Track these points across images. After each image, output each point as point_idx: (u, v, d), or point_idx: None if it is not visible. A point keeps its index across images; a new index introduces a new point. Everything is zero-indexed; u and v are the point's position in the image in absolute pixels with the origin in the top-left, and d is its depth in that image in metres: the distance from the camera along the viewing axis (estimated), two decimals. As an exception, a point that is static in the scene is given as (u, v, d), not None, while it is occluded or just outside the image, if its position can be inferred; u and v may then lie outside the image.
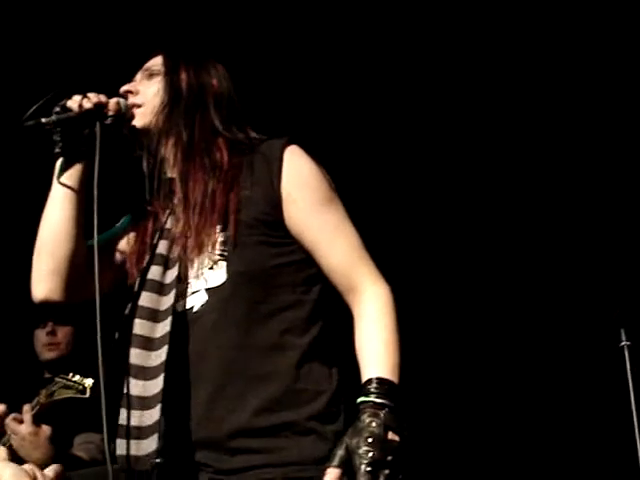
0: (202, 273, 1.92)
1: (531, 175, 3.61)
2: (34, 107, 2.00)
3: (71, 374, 2.38)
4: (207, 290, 1.91)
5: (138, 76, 2.14)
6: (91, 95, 2.05)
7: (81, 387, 2.31)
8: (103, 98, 2.05)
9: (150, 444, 1.80)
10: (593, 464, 3.47)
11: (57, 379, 2.39)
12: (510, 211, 3.62)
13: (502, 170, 3.63)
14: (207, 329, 1.88)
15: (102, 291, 1.95)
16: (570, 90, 3.49)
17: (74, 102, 2.04)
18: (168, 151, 2.05)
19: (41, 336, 3.14)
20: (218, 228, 1.93)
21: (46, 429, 2.53)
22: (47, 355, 3.12)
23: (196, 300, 1.92)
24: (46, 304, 2.05)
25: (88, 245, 2.06)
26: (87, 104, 2.03)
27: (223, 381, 1.85)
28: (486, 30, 3.49)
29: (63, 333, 3.13)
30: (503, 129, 3.61)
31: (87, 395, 2.30)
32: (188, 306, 1.92)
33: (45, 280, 2.04)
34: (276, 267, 1.91)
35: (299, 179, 1.94)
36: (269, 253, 1.92)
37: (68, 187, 2.04)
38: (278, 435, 1.82)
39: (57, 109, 2.03)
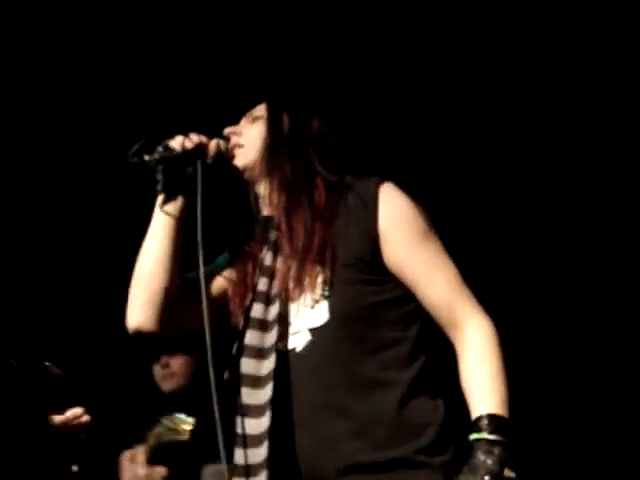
0: (303, 312, 1.95)
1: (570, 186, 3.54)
2: (138, 145, 2.05)
3: (176, 414, 2.40)
4: (310, 330, 1.93)
5: (242, 121, 2.21)
6: (193, 135, 2.11)
7: (181, 429, 2.33)
8: (204, 139, 2.11)
9: None
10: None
11: (162, 419, 2.41)
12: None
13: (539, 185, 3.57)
14: (311, 369, 1.90)
15: (195, 326, 2.01)
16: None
17: (176, 142, 2.09)
18: (268, 190, 2.10)
19: (157, 370, 3.13)
20: (318, 267, 1.95)
21: (160, 470, 2.54)
22: (165, 387, 3.10)
23: (298, 340, 1.94)
24: (139, 334, 2.09)
25: (186, 279, 2.11)
26: (188, 144, 2.08)
27: (328, 420, 1.86)
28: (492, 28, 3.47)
29: (178, 364, 3.11)
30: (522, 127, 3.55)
31: (186, 437, 2.31)
32: (290, 346, 1.94)
33: (139, 310, 2.08)
34: (376, 305, 1.93)
35: (395, 217, 1.97)
36: (368, 291, 1.93)
37: (167, 223, 2.09)
38: (389, 471, 1.82)
39: (160, 148, 2.08)
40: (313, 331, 1.92)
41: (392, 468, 1.82)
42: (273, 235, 2.07)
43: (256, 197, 2.14)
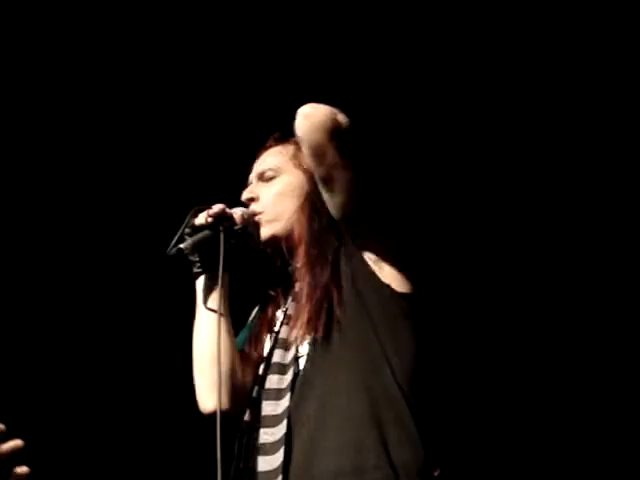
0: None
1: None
2: (175, 239, 2.14)
3: None
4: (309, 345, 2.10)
5: (253, 180, 2.28)
6: (215, 208, 2.17)
7: None
8: (227, 210, 2.19)
9: None
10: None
11: None
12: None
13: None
14: (307, 381, 2.07)
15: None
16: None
17: (202, 219, 2.17)
18: (293, 245, 2.21)
19: None
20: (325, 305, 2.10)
21: None
22: None
23: (302, 362, 2.10)
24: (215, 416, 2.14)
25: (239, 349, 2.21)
26: (212, 219, 2.15)
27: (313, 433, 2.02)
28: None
29: None
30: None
31: None
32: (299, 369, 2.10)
33: (213, 393, 2.11)
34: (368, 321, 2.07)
35: None
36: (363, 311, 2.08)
37: (216, 303, 2.15)
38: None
39: (187, 231, 2.15)
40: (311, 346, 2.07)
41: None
42: (297, 286, 2.18)
43: (286, 251, 2.22)
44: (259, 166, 2.29)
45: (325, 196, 2.10)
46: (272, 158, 2.29)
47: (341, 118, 2.03)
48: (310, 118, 2.01)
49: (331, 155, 2.02)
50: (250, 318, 2.32)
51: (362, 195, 2.06)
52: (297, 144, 2.23)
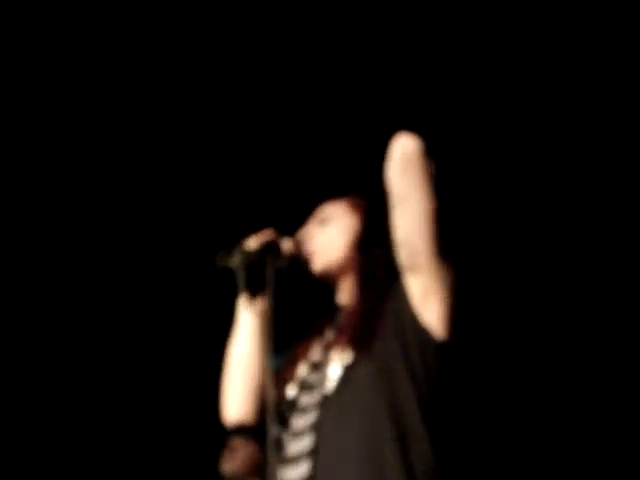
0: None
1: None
2: (226, 251, 2.25)
3: None
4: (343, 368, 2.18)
5: (310, 224, 2.39)
6: (266, 235, 2.29)
7: None
8: (278, 238, 2.30)
9: None
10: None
11: None
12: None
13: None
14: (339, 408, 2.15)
15: None
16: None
17: (252, 243, 2.27)
18: (343, 286, 2.32)
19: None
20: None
21: None
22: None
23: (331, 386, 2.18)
24: (238, 428, 2.25)
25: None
26: (261, 245, 2.26)
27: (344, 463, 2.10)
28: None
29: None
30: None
31: None
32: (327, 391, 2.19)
33: (239, 405, 2.25)
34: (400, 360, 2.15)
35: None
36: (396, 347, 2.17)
37: (254, 320, 2.28)
38: None
39: (237, 251, 2.26)
40: (345, 369, 2.18)
41: None
42: (340, 322, 2.29)
43: (336, 289, 2.34)
44: (319, 213, 2.41)
45: (397, 222, 2.18)
46: (332, 207, 2.41)
47: (428, 160, 2.19)
48: (405, 165, 2.17)
49: (416, 193, 2.16)
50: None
51: (432, 228, 2.16)
52: (358, 200, 2.40)
